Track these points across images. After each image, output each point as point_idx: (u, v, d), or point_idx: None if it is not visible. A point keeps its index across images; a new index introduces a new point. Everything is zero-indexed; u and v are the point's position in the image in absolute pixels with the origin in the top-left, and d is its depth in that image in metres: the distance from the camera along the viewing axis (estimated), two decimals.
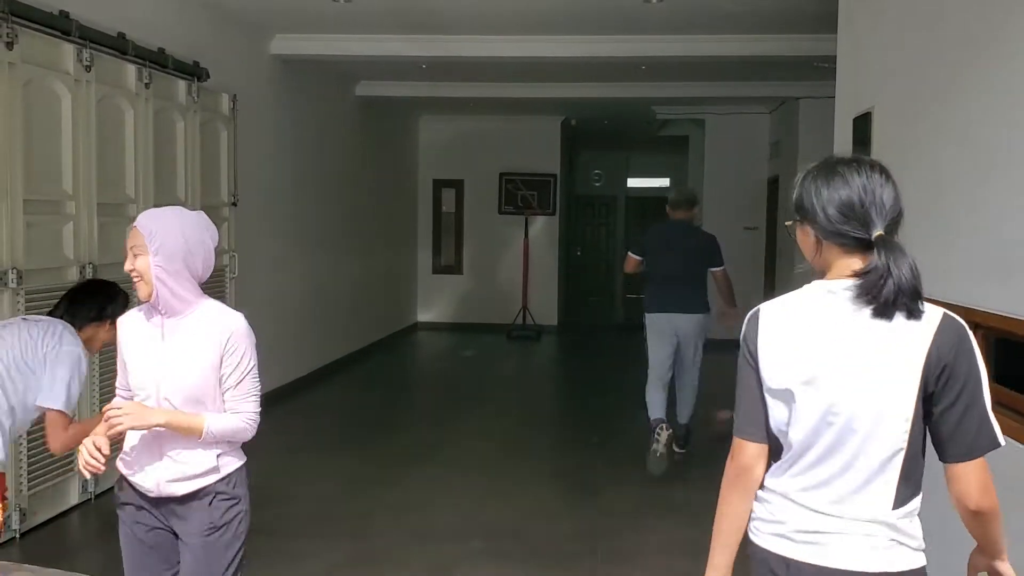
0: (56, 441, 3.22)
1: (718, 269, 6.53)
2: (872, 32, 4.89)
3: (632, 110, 12.36)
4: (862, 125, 4.82)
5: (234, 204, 7.08)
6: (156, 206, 5.84)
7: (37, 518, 4.86)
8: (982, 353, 1.90)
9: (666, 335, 6.41)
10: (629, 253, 6.73)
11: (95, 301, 3.57)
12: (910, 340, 1.82)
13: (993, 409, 1.90)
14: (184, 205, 6.32)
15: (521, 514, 5.35)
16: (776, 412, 1.95)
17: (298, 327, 8.84)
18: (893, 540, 1.87)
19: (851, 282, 1.87)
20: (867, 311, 1.84)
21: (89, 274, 5.18)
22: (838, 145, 5.36)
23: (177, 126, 6.25)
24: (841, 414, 1.86)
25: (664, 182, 18.76)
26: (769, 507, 1.99)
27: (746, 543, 2.05)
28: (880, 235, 1.84)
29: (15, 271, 4.59)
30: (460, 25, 7.64)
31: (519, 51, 8.17)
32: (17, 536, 4.67)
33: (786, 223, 2.09)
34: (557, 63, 8.67)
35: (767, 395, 1.95)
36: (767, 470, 2.00)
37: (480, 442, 7.12)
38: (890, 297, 1.80)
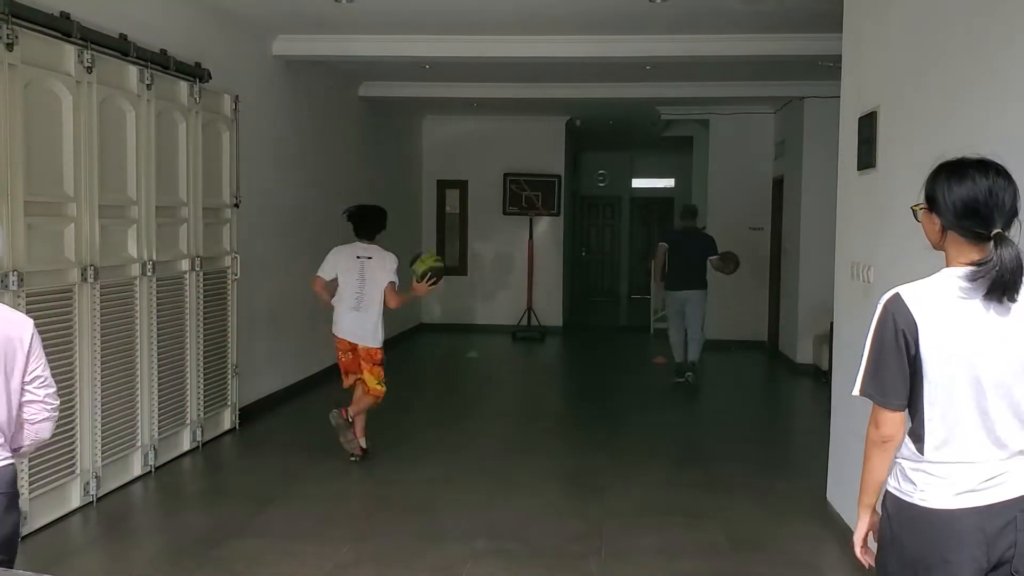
0: (394, 301, 6.46)
1: (715, 258, 9.45)
2: (877, 31, 4.86)
3: (637, 110, 12.34)
4: (867, 124, 4.80)
5: (236, 205, 7.06)
6: (158, 208, 5.90)
7: (38, 521, 4.85)
8: None
9: (679, 304, 9.46)
10: (660, 243, 9.76)
11: (377, 221, 6.70)
12: None
13: None
14: (186, 207, 6.33)
15: (526, 514, 5.33)
16: (935, 386, 2.21)
17: (301, 328, 8.82)
18: None
19: (969, 269, 2.18)
20: (986, 294, 2.17)
21: (91, 277, 5.18)
22: (843, 145, 5.34)
23: (179, 127, 6.23)
24: (997, 383, 2.19)
25: (669, 183, 18.77)
26: (943, 473, 2.23)
27: (908, 508, 2.28)
28: (998, 232, 2.16)
29: (16, 273, 4.57)
30: (463, 25, 7.61)
31: (523, 51, 8.14)
32: (18, 540, 4.65)
33: (912, 206, 2.37)
34: (561, 63, 8.65)
35: (926, 370, 2.21)
36: (923, 444, 2.26)
37: (485, 442, 7.10)
38: (998, 284, 2.13)
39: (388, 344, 11.64)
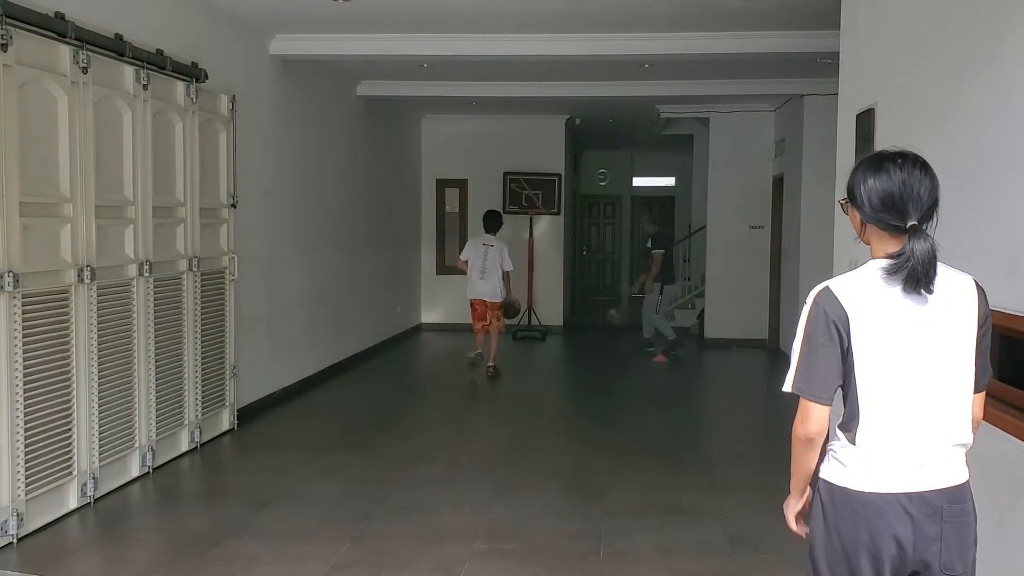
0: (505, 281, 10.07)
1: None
2: (875, 28, 4.84)
3: (636, 109, 12.32)
4: (865, 121, 4.78)
5: (233, 206, 7.04)
6: (155, 208, 5.89)
7: (35, 522, 4.84)
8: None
9: (670, 295, 11.75)
10: (658, 251, 11.39)
11: (495, 221, 10.11)
12: (963, 302, 2.25)
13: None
14: (183, 207, 6.32)
15: (525, 514, 5.31)
16: (869, 377, 2.23)
17: (299, 329, 8.82)
18: (964, 455, 2.31)
19: (888, 262, 2.21)
20: (903, 286, 2.20)
21: (87, 278, 5.16)
22: (841, 142, 5.32)
23: (176, 127, 6.22)
24: (924, 373, 2.22)
25: (670, 181, 18.75)
26: (874, 459, 2.26)
27: (839, 492, 2.30)
28: (913, 224, 2.18)
29: (11, 274, 4.55)
30: (461, 24, 7.60)
31: (521, 50, 8.13)
32: (15, 541, 4.64)
33: (839, 200, 2.44)
34: (560, 62, 8.63)
35: (857, 361, 2.22)
36: (854, 434, 2.26)
37: (484, 442, 7.08)
38: (912, 277, 2.16)
39: (385, 346, 11.74)
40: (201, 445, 6.60)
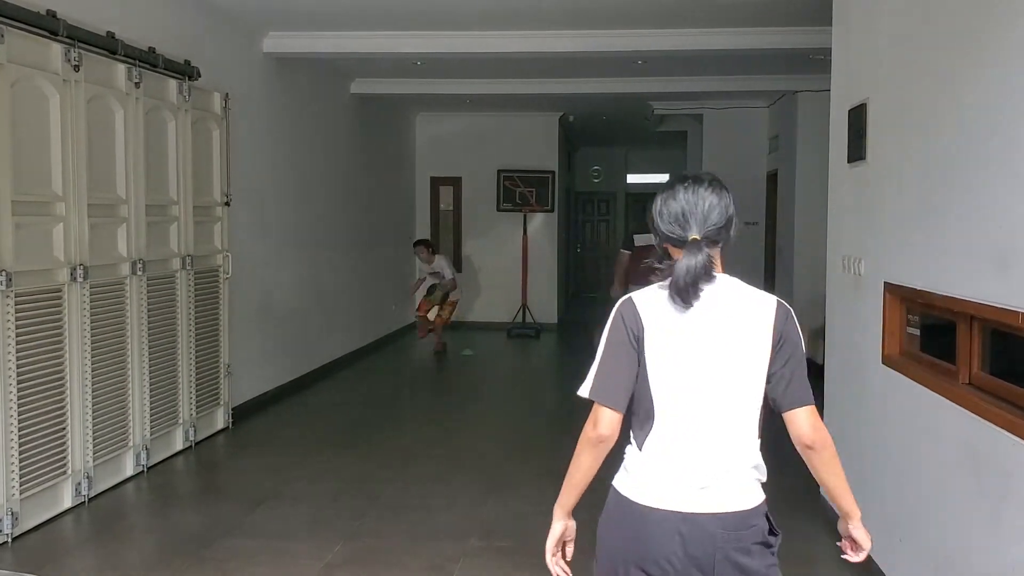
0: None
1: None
2: (866, 23, 4.84)
3: (630, 106, 12.33)
4: (857, 117, 4.79)
5: (227, 204, 7.04)
6: (148, 206, 5.88)
7: (29, 522, 4.83)
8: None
9: None
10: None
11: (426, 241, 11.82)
12: (752, 320, 2.24)
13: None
14: (176, 205, 6.31)
15: (519, 512, 5.32)
16: (656, 385, 2.23)
17: (294, 327, 8.81)
18: (756, 479, 2.30)
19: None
20: (669, 296, 2.21)
21: (80, 277, 5.16)
22: (834, 138, 5.33)
23: (168, 125, 6.21)
24: (714, 381, 2.21)
25: (664, 178, 18.72)
26: (656, 470, 2.25)
27: (620, 500, 2.32)
28: (694, 239, 2.23)
29: (4, 273, 4.55)
30: (454, 21, 7.59)
31: (515, 47, 8.12)
32: (9, 540, 4.64)
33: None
34: (554, 58, 8.63)
35: (649, 370, 2.23)
36: (643, 441, 2.27)
37: (479, 440, 7.09)
38: (673, 288, 2.19)
39: (380, 344, 11.77)
40: (195, 444, 6.60)
